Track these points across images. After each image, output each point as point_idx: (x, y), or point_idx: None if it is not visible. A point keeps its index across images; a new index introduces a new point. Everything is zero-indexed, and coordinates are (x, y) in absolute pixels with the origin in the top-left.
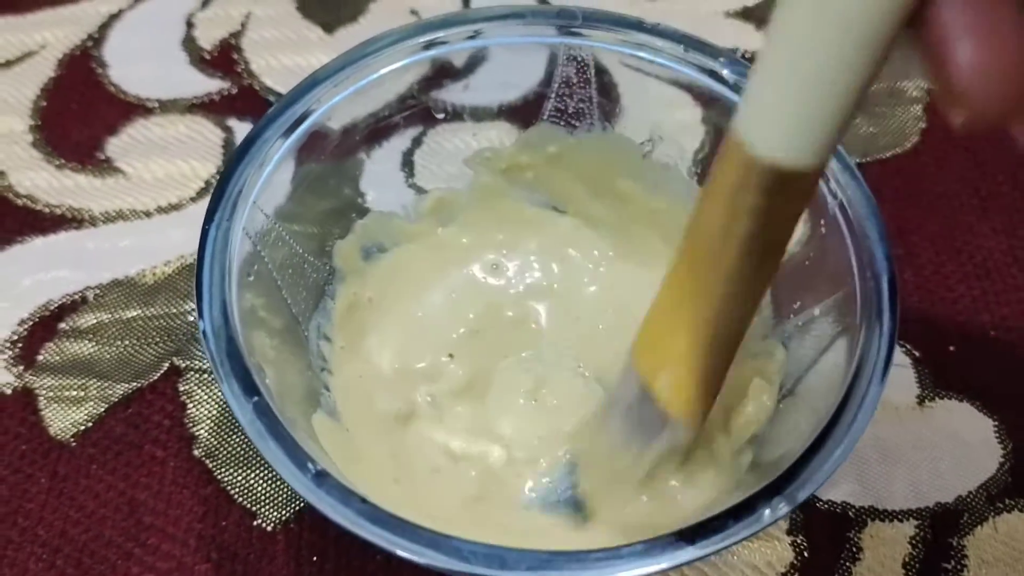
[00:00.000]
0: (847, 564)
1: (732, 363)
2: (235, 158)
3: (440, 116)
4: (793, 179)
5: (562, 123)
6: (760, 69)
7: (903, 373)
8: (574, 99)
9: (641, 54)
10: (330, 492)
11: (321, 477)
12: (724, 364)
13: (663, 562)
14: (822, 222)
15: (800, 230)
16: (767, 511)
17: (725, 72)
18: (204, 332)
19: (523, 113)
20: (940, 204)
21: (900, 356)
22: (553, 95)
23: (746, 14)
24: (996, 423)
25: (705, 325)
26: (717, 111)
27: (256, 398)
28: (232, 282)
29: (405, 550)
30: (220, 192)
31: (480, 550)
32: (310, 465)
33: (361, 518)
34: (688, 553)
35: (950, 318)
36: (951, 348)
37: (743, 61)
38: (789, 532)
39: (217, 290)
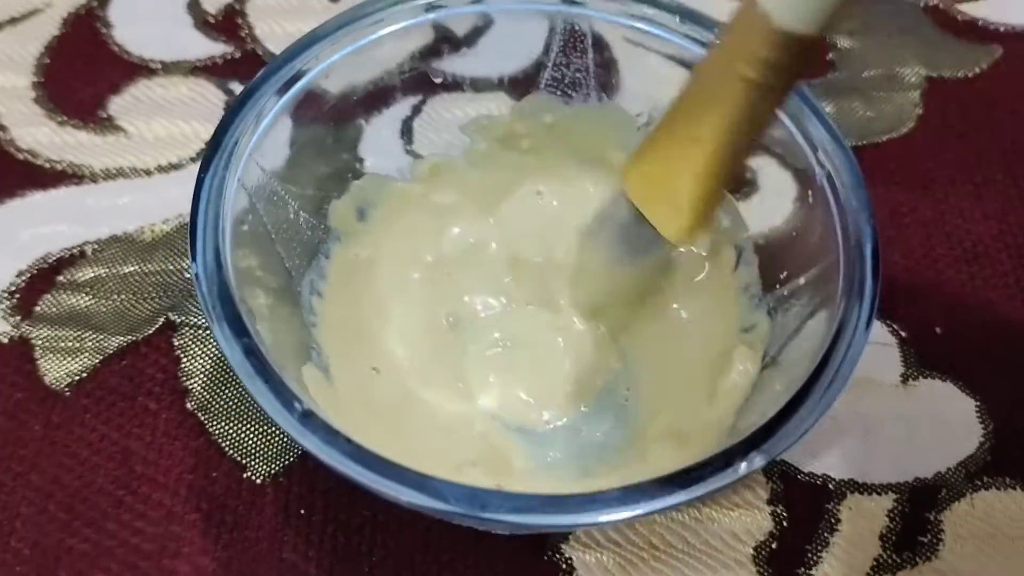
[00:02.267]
0: (825, 535)
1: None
2: (232, 110)
3: (440, 83)
4: (793, 41)
5: (558, 92)
6: None
7: (888, 352)
8: (570, 68)
9: (640, 25)
10: (316, 431)
11: (307, 417)
12: (719, 191)
13: (639, 508)
14: (809, 193)
15: (788, 206)
16: (743, 464)
17: None
18: (196, 275)
19: (524, 85)
20: (933, 189)
21: (886, 335)
22: (550, 64)
23: None
24: (978, 403)
25: (704, 158)
26: None
27: (245, 339)
28: (226, 229)
29: (388, 489)
30: (216, 142)
31: (462, 492)
32: (297, 404)
33: (346, 457)
34: (665, 500)
35: (937, 301)
36: (937, 330)
37: None
38: (769, 502)
39: (211, 235)
